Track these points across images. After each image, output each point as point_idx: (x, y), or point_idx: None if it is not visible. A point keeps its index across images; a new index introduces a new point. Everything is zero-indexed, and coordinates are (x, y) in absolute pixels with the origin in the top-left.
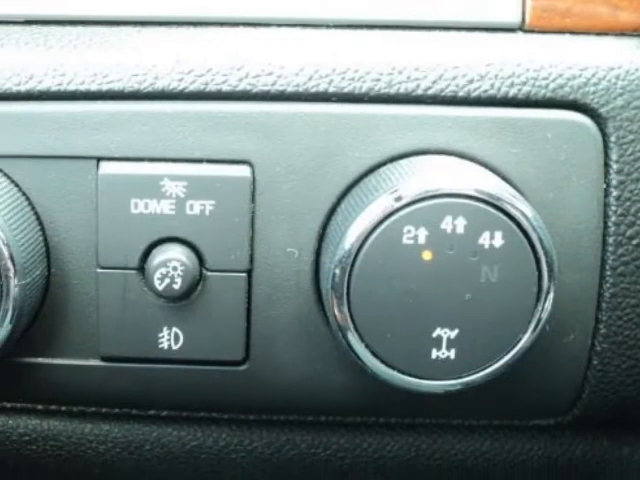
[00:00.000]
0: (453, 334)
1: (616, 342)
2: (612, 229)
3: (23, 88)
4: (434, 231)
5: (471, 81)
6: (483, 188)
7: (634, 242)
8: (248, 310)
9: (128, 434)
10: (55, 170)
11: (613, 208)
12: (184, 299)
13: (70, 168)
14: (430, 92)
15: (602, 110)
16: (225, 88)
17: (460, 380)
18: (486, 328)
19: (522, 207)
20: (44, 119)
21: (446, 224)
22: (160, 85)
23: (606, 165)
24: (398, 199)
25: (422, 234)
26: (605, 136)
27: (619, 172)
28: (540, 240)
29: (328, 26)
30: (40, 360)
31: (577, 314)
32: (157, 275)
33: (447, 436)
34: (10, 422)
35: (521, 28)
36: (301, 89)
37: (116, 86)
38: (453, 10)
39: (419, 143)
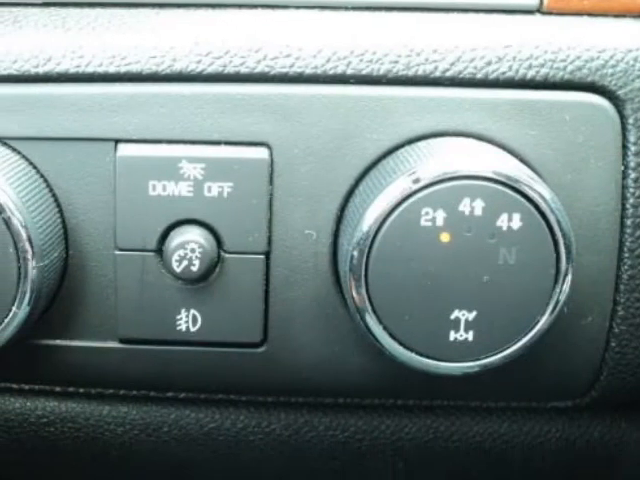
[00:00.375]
0: (471, 316)
1: (634, 324)
2: (630, 211)
3: (41, 70)
4: (452, 213)
5: (489, 63)
6: (501, 170)
7: None
8: (266, 292)
9: (146, 416)
10: (73, 152)
11: (631, 190)
12: (202, 281)
13: (88, 150)
14: (448, 74)
15: (620, 92)
16: (243, 70)
17: (478, 362)
18: (504, 310)
19: (540, 189)
20: (62, 101)
21: (464, 206)
22: (178, 67)
23: (624, 147)
24: (416, 181)
25: (440, 216)
26: (623, 118)
27: (637, 154)
28: (558, 222)
29: (346, 8)
30: (58, 342)
31: (595, 296)
32: (175, 257)
33: (465, 418)
34: (28, 404)
35: (539, 10)
36: (319, 71)
37: (134, 68)
38: None
39: (437, 125)
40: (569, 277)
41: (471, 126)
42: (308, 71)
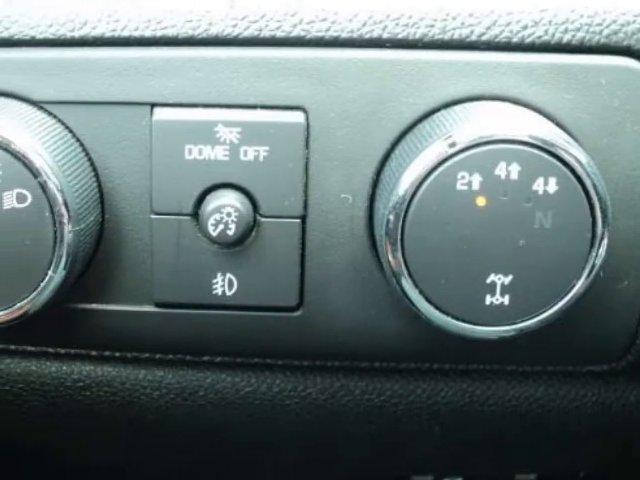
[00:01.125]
0: (507, 280)
1: None
2: None
3: (77, 34)
4: (488, 177)
5: (525, 27)
6: (537, 134)
7: None
8: (302, 256)
9: (182, 380)
10: (109, 116)
11: None
12: (238, 245)
13: (124, 114)
14: (484, 38)
15: None
16: (279, 34)
17: (514, 326)
18: (540, 274)
19: (576, 153)
20: (98, 65)
21: (500, 170)
22: (214, 31)
23: None
24: (452, 145)
25: (476, 180)
26: None
27: None
28: (594, 186)
29: None
30: (94, 306)
31: (631, 260)
32: (211, 221)
33: (501, 382)
34: (64, 368)
35: None
36: (355, 35)
37: (170, 32)
38: None
39: (473, 89)
40: (605, 241)
41: (507, 90)
42: (344, 35)
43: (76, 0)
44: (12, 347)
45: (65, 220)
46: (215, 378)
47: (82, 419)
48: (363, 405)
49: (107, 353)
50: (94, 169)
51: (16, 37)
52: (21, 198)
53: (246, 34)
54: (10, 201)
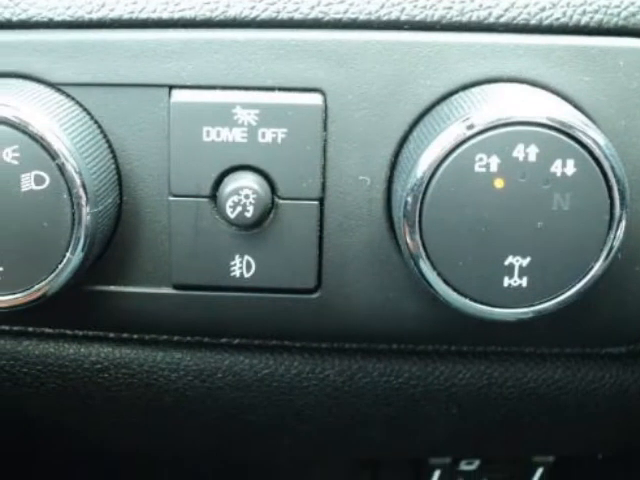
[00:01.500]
0: (525, 262)
1: None
2: None
3: (95, 16)
4: (506, 159)
5: (543, 9)
6: (555, 116)
7: None
8: (320, 238)
9: (200, 362)
10: (127, 98)
11: None
12: (256, 227)
13: (142, 96)
14: (502, 20)
15: None
16: (297, 16)
17: (532, 308)
18: (558, 256)
19: (594, 135)
20: (116, 47)
21: (518, 152)
22: (232, 13)
23: None
24: (470, 127)
25: (494, 162)
26: None
27: None
28: (612, 168)
29: None
30: (112, 288)
31: None
32: (229, 203)
33: (519, 364)
34: (82, 350)
35: None
36: (373, 17)
37: (188, 14)
38: None
39: (491, 71)
40: (623, 223)
41: (525, 72)
42: (362, 17)
43: None
44: (30, 329)
45: (83, 202)
46: (233, 360)
47: (100, 401)
48: (381, 387)
49: (125, 335)
50: (112, 151)
51: (34, 19)
52: (39, 180)
53: (264, 16)
54: (28, 183)
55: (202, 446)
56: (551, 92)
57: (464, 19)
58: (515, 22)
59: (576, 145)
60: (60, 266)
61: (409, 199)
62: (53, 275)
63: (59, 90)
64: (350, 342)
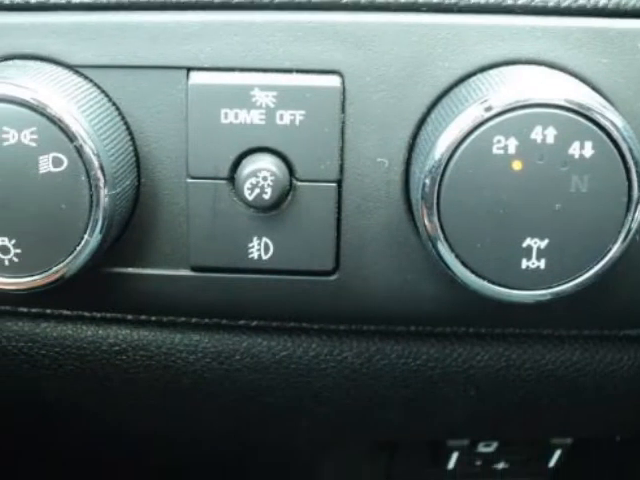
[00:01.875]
0: (543, 244)
1: None
2: None
3: None
4: (524, 141)
5: None
6: (573, 98)
7: None
8: (338, 220)
9: (218, 344)
10: (145, 80)
11: None
12: (274, 209)
13: (160, 78)
14: (520, 2)
15: None
16: None
17: (550, 290)
18: (576, 238)
19: (612, 117)
20: (134, 29)
21: (536, 134)
22: None
23: None
24: (488, 109)
25: (512, 144)
26: None
27: None
28: (630, 150)
29: None
30: (130, 270)
31: None
32: (247, 185)
33: (537, 346)
34: (100, 332)
35: None
36: None
37: None
38: None
39: (509, 53)
40: None
41: (543, 54)
42: None
43: None
44: (48, 311)
45: (101, 184)
46: (251, 342)
47: (118, 383)
48: (399, 369)
49: (143, 317)
50: (130, 133)
51: (52, 1)
52: (57, 162)
53: None
54: (46, 165)
55: (220, 428)
56: (569, 74)
57: (482, 1)
58: (533, 4)
59: (594, 127)
60: (78, 248)
61: (427, 181)
62: (71, 257)
63: (77, 72)
64: (368, 324)
